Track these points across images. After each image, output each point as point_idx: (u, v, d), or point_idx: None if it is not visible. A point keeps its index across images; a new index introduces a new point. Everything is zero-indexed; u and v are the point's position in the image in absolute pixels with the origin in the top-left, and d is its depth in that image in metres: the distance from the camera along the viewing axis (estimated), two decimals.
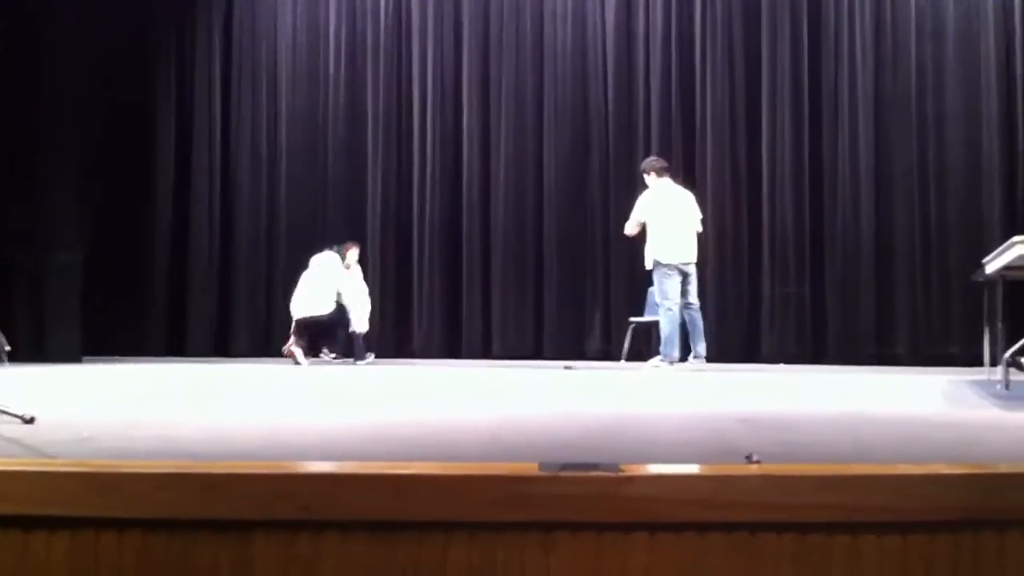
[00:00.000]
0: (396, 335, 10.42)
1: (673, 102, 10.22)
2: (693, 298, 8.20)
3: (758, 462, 2.30)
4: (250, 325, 10.60)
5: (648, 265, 8.18)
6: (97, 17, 9.61)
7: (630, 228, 8.30)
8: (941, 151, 9.76)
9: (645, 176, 8.39)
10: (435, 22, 10.67)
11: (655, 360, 8.16)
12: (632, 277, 9.70)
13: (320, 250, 9.68)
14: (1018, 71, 9.65)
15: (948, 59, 9.78)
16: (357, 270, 9.81)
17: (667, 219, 8.12)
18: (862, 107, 9.87)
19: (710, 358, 8.85)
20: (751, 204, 10.05)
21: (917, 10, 9.84)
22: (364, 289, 9.79)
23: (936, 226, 9.71)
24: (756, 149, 10.07)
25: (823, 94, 9.99)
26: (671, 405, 4.79)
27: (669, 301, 8.09)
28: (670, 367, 7.91)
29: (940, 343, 9.51)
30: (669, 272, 8.08)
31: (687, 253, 8.16)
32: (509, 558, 2.13)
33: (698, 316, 8.21)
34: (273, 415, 4.09)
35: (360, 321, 9.48)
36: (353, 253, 9.77)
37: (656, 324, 8.68)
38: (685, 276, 8.15)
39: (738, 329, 9.86)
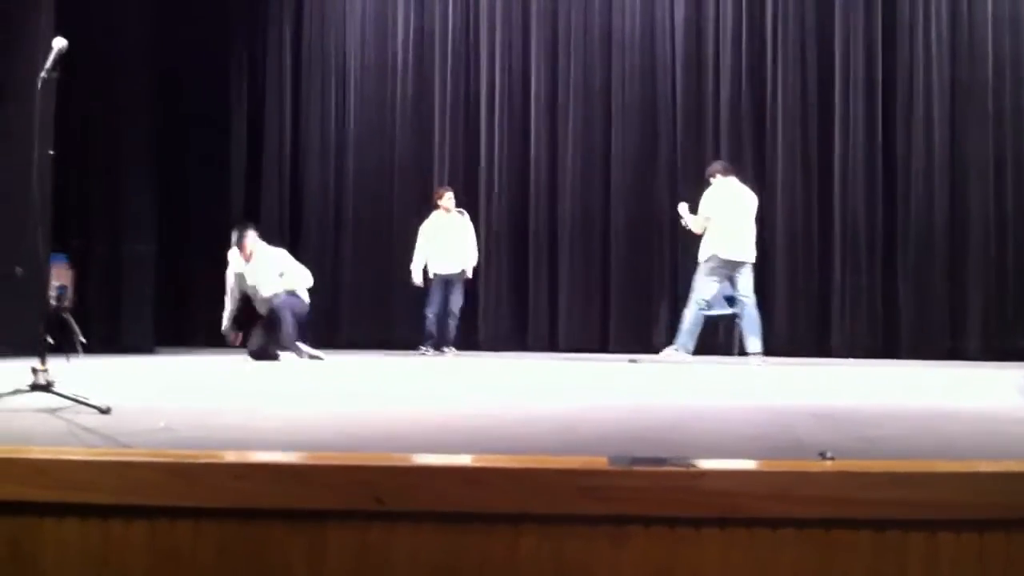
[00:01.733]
0: (463, 326, 10.43)
1: (743, 94, 10.10)
2: (747, 292, 8.10)
3: (832, 459, 2.27)
4: (318, 315, 10.69)
5: (702, 257, 8.14)
6: (171, 12, 9.77)
7: (696, 226, 8.25)
8: (1018, 143, 9.51)
9: (711, 179, 8.35)
10: (503, 13, 10.66)
11: (669, 349, 8.13)
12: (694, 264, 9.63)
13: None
14: None
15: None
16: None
17: (728, 217, 8.07)
18: (937, 98, 9.67)
19: (781, 351, 8.77)
20: (822, 196, 9.90)
21: (995, 2, 9.60)
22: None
23: (1012, 219, 9.48)
24: (828, 141, 9.91)
25: (898, 85, 9.80)
26: (741, 399, 4.74)
27: (701, 296, 8.09)
28: (681, 357, 7.94)
29: (1016, 337, 9.29)
30: (717, 269, 8.06)
31: (745, 252, 8.09)
32: (579, 551, 2.13)
33: (753, 311, 8.12)
34: (344, 406, 4.13)
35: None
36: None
37: (723, 318, 8.63)
38: (735, 275, 8.10)
39: (809, 322, 9.72)
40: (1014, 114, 9.51)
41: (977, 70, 9.60)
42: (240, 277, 8.39)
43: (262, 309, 8.35)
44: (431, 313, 9.44)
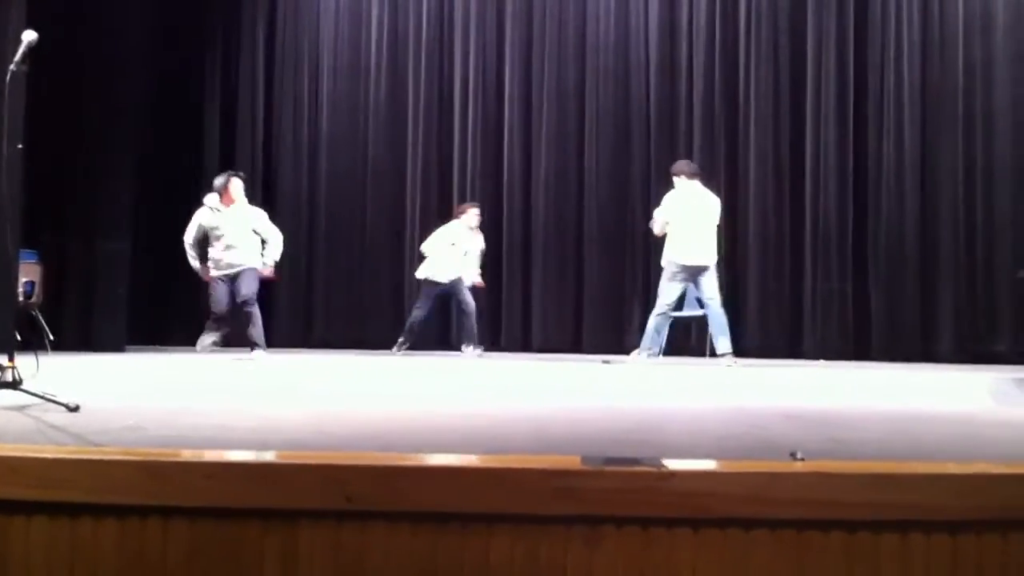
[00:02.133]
0: (437, 327, 10.43)
1: (716, 97, 10.15)
2: (711, 294, 8.11)
3: (803, 459, 2.28)
4: (291, 315, 10.66)
5: (663, 262, 8.16)
6: (143, 12, 9.70)
7: (657, 228, 8.27)
8: (988, 146, 9.61)
9: (675, 178, 8.33)
10: (477, 14, 10.66)
11: (634, 354, 8.15)
12: None
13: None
14: None
15: (996, 53, 9.62)
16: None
17: (688, 221, 8.08)
18: (908, 102, 9.75)
19: (753, 353, 8.82)
20: (794, 199, 9.96)
21: (965, 3, 9.69)
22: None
23: (982, 222, 9.57)
24: (800, 144, 9.97)
25: (869, 88, 9.88)
26: (713, 400, 4.76)
27: (663, 302, 8.11)
28: (646, 360, 7.96)
29: (985, 340, 9.38)
30: (677, 274, 8.07)
31: (704, 256, 8.09)
32: (553, 551, 2.13)
33: (719, 312, 8.13)
34: (317, 405, 4.11)
35: None
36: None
37: (695, 319, 8.67)
38: (698, 278, 8.11)
39: (780, 325, 9.78)
40: (984, 117, 9.60)
41: (948, 72, 9.69)
42: (210, 229, 8.28)
43: (228, 263, 8.24)
44: (420, 316, 9.49)
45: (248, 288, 8.23)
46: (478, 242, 9.64)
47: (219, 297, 8.25)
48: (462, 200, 10.41)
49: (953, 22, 9.71)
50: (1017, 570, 2.07)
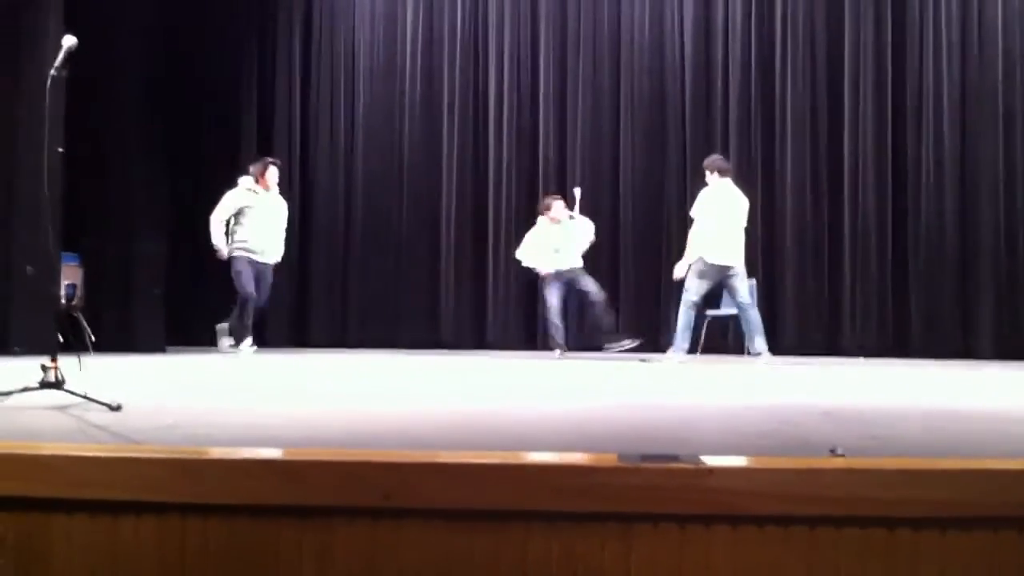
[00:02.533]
0: (471, 327, 10.45)
1: (752, 94, 10.10)
2: (744, 297, 8.04)
3: (842, 455, 2.26)
4: (328, 315, 10.73)
5: (691, 259, 8.07)
6: (181, 14, 9.80)
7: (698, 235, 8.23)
8: None
9: (708, 174, 8.25)
10: (511, 14, 10.67)
11: (669, 352, 8.08)
12: None
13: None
14: None
15: None
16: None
17: (721, 220, 8.00)
18: (947, 100, 9.66)
19: (790, 351, 8.76)
20: (832, 198, 9.89)
21: (1005, 2, 9.58)
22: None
23: (1022, 220, 9.46)
24: (838, 142, 9.90)
25: (907, 86, 9.80)
26: (751, 398, 4.73)
27: (690, 298, 8.01)
28: (678, 359, 7.87)
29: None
30: (706, 272, 7.99)
31: (732, 256, 8.01)
32: (589, 549, 2.12)
33: (753, 316, 8.04)
34: (352, 404, 4.13)
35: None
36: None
37: (733, 317, 8.62)
38: (727, 280, 8.03)
39: (819, 322, 9.72)
40: (1023, 115, 9.48)
41: (987, 71, 9.58)
42: (245, 207, 8.40)
43: (259, 248, 8.33)
44: (554, 307, 9.24)
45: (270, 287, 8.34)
46: (574, 232, 9.33)
47: (248, 278, 8.31)
48: (498, 199, 10.43)
49: (992, 21, 9.61)
50: None
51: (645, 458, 2.23)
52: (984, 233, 9.51)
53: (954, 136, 9.63)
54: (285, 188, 10.81)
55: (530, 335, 10.33)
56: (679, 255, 10.02)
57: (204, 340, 10.12)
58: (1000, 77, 9.54)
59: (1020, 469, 2.13)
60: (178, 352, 9.05)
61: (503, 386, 5.54)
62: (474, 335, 10.40)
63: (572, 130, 10.51)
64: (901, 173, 9.77)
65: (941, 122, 9.67)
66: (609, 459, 2.22)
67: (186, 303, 10.30)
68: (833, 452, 2.28)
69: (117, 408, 3.35)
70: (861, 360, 8.84)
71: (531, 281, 10.38)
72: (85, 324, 8.07)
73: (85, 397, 3.44)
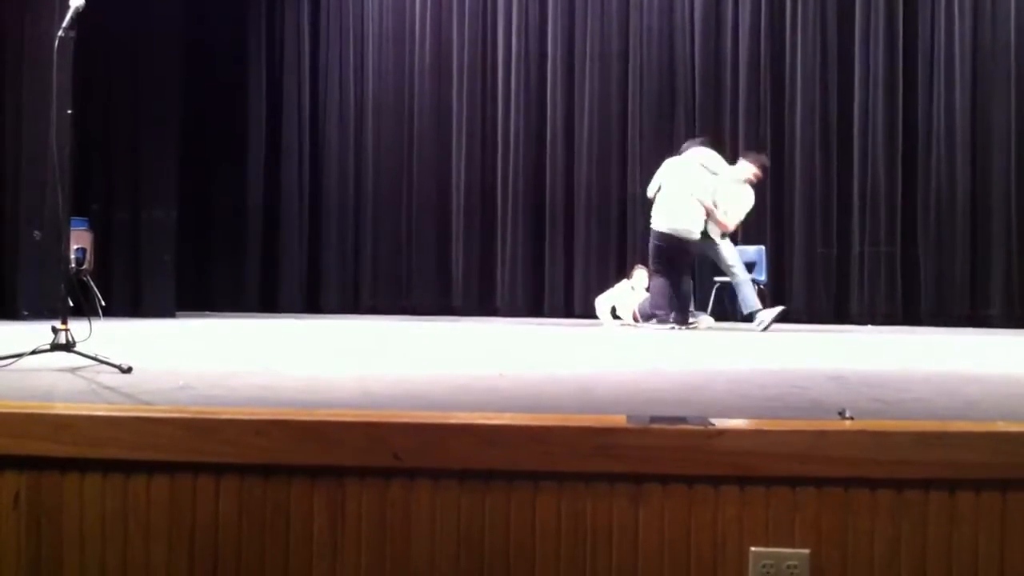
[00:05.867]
0: (480, 293, 10.47)
1: (762, 58, 10.03)
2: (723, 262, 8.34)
3: (851, 418, 2.26)
4: (340, 282, 10.75)
5: (713, 234, 8.18)
6: None
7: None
8: None
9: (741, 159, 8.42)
10: None
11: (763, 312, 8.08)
12: None
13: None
14: None
15: None
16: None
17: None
18: (959, 63, 9.57)
19: (798, 318, 8.79)
20: (842, 162, 9.84)
21: None
22: None
23: None
24: (848, 106, 9.83)
25: (919, 49, 9.71)
26: (759, 362, 4.74)
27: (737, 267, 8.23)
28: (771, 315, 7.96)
29: None
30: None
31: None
32: (598, 508, 2.14)
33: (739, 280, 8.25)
34: (365, 367, 4.15)
35: None
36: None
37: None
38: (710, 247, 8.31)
39: (827, 289, 9.70)
40: None
41: (999, 33, 9.50)
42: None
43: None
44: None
45: None
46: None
47: None
48: (506, 167, 10.42)
49: None
50: None
51: (654, 420, 2.24)
52: (995, 201, 9.46)
53: (965, 99, 9.55)
54: (295, 154, 10.85)
55: (538, 303, 10.34)
56: None
57: (214, 306, 10.17)
58: (1012, 39, 9.45)
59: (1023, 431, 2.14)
60: (188, 317, 9.08)
61: (511, 351, 5.56)
62: (483, 302, 10.42)
63: (580, 93, 10.45)
64: (911, 137, 9.71)
65: (953, 87, 9.59)
66: (618, 420, 2.23)
67: (196, 269, 10.33)
68: (841, 415, 2.29)
69: (128, 370, 3.37)
70: (870, 327, 8.83)
71: (538, 251, 10.38)
72: (95, 288, 8.10)
73: (96, 359, 3.46)
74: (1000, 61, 9.48)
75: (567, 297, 10.32)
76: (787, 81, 9.96)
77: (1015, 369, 4.59)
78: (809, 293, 9.59)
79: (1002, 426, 2.18)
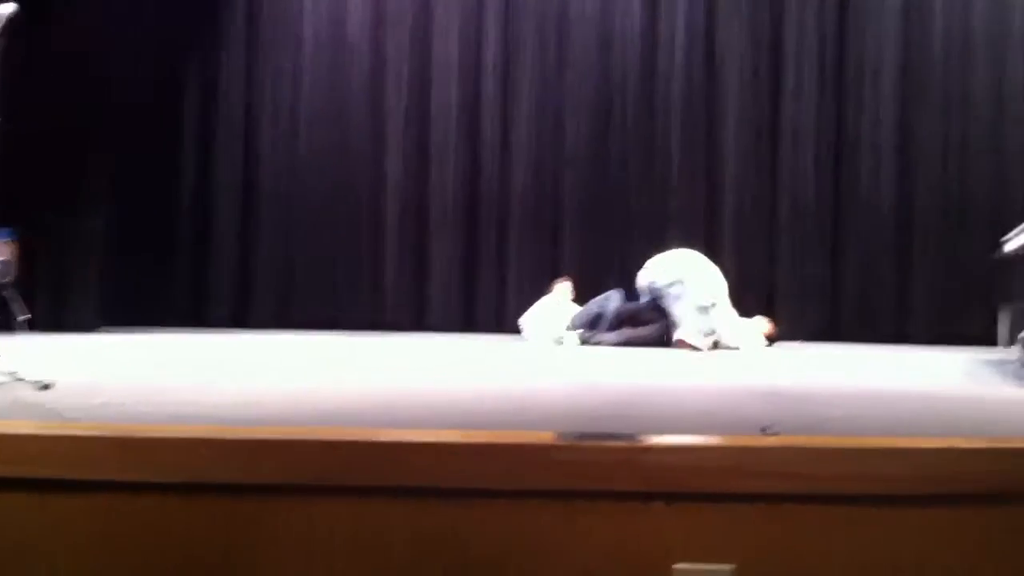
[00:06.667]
0: (412, 307, 10.42)
1: (694, 70, 10.13)
2: None
3: (776, 434, 2.29)
4: (271, 295, 10.62)
5: None
6: None
7: None
8: (965, 126, 9.67)
9: None
10: None
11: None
12: (651, 249, 9.70)
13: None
14: None
15: (976, 31, 9.67)
16: None
17: None
18: (887, 78, 9.78)
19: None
20: (771, 177, 9.98)
21: None
22: None
23: (958, 202, 9.64)
24: (777, 120, 9.98)
25: (849, 62, 9.89)
26: (689, 378, 4.78)
27: None
28: None
29: (958, 322, 9.46)
30: None
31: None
32: (528, 526, 2.14)
33: None
34: (294, 383, 4.10)
35: None
36: None
37: None
38: None
39: (756, 306, 9.81)
40: (961, 94, 9.65)
41: (927, 51, 9.73)
42: None
43: None
44: None
45: None
46: None
47: None
48: (441, 178, 10.40)
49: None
50: (987, 542, 2.10)
51: (583, 436, 2.24)
52: (920, 218, 9.67)
53: (893, 115, 9.75)
54: (227, 163, 10.69)
55: (471, 317, 10.32)
56: (623, 231, 10.09)
57: (141, 320, 9.97)
58: (940, 56, 9.69)
59: (951, 448, 2.18)
60: (113, 331, 8.91)
61: (445, 364, 5.54)
62: (416, 316, 10.37)
63: (515, 109, 10.45)
64: (838, 152, 9.88)
65: (880, 102, 9.78)
66: (547, 437, 2.23)
67: (122, 282, 10.13)
68: (764, 431, 2.31)
69: (47, 387, 3.29)
70: (797, 343, 8.96)
71: (471, 265, 10.37)
72: (17, 301, 7.91)
73: (13, 375, 3.38)
74: (927, 81, 9.71)
75: (500, 311, 10.30)
76: (718, 93, 10.09)
77: (939, 385, 4.69)
78: (739, 309, 9.71)
79: (925, 442, 2.22)
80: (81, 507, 2.19)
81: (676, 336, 7.83)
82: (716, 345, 7.92)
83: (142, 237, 10.25)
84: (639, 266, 8.63)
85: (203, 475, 2.16)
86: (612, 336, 7.97)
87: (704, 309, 7.92)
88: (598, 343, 7.90)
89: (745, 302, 9.44)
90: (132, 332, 8.90)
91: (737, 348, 7.78)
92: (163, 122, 10.53)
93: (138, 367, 4.98)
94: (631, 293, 8.57)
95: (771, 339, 8.17)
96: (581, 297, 8.75)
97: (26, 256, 8.74)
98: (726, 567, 2.10)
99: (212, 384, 3.94)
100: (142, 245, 10.22)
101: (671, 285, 8.00)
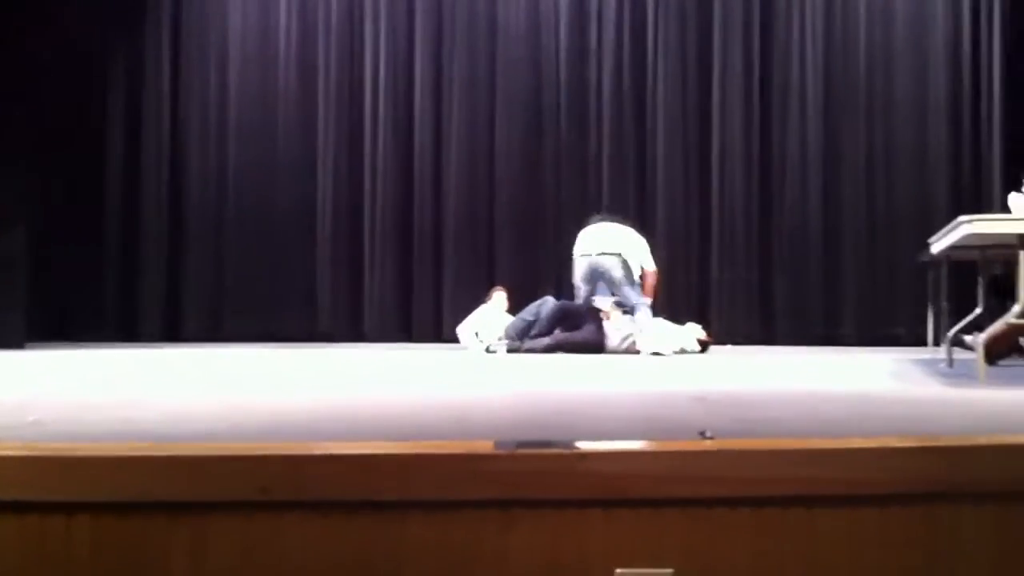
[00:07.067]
0: (347, 318, 10.37)
1: (624, 86, 10.26)
2: None
3: (712, 438, 2.32)
4: (201, 308, 10.49)
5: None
6: None
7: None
8: (889, 136, 9.91)
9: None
10: (387, 2, 10.58)
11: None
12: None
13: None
14: (965, 55, 9.82)
15: (897, 43, 9.92)
16: None
17: None
18: (812, 90, 9.98)
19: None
20: (701, 187, 10.14)
21: None
22: None
23: (883, 208, 9.87)
24: (707, 132, 10.15)
25: (774, 77, 10.09)
26: (625, 384, 4.81)
27: None
28: None
29: (886, 323, 9.67)
30: None
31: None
32: (467, 536, 2.13)
33: None
34: (227, 397, 4.05)
35: None
36: None
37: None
38: None
39: (689, 312, 9.92)
40: (885, 107, 9.88)
41: (850, 63, 9.95)
42: None
43: None
44: None
45: None
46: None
47: None
48: (374, 191, 10.38)
49: (855, 13, 9.98)
50: (919, 540, 2.14)
51: (521, 444, 2.25)
52: (846, 223, 9.88)
53: (818, 127, 9.97)
54: (154, 178, 10.54)
55: (407, 327, 10.30)
56: (555, 243, 10.15)
57: (68, 335, 9.78)
58: (862, 69, 9.92)
59: (880, 447, 2.22)
60: (40, 348, 8.72)
61: (381, 375, 5.51)
62: (351, 327, 10.32)
63: (447, 119, 10.49)
64: (767, 163, 10.07)
65: (806, 113, 9.99)
66: (485, 446, 2.23)
67: (49, 296, 9.93)
68: (703, 435, 2.34)
69: None
70: (729, 347, 9.08)
71: (406, 275, 10.34)
72: None
73: None
74: (850, 92, 9.94)
75: (436, 321, 10.30)
76: (649, 109, 10.21)
77: (868, 386, 4.78)
78: (671, 315, 9.81)
79: (855, 443, 2.26)
80: (7, 530, 2.13)
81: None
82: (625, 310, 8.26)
83: (71, 251, 10.08)
84: (570, 282, 8.68)
85: (135, 493, 2.12)
86: (544, 341, 7.99)
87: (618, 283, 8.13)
88: (529, 350, 7.92)
89: (679, 310, 9.54)
90: (60, 349, 8.72)
91: (661, 353, 7.83)
92: (88, 137, 10.37)
93: (66, 384, 4.88)
94: (566, 300, 8.62)
95: (705, 345, 8.25)
96: (517, 306, 8.77)
97: None
98: (666, 571, 2.11)
99: (144, 400, 3.88)
100: (69, 261, 10.04)
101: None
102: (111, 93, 10.59)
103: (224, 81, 10.69)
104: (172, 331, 10.36)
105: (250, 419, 3.16)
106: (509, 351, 7.99)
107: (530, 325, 8.26)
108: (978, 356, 4.87)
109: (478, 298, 10.00)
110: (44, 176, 9.71)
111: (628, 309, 8.26)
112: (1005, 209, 6.26)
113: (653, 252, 8.66)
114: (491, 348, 8.12)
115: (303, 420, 3.14)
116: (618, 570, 2.12)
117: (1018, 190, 6.04)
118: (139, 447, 2.26)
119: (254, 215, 10.51)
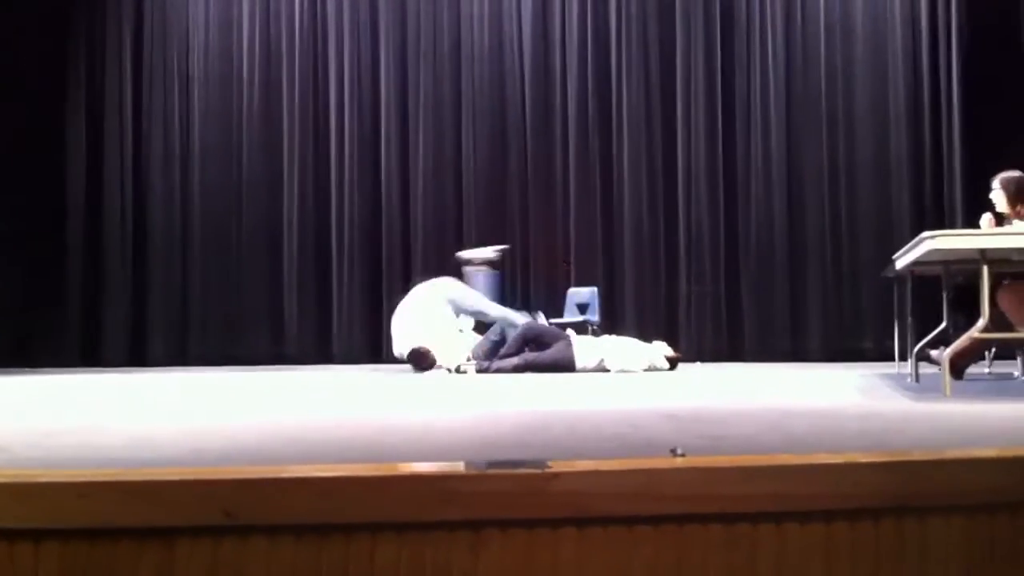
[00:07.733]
0: (315, 340, 10.31)
1: (589, 103, 10.31)
2: None
3: (683, 455, 2.31)
4: (165, 331, 10.39)
5: None
6: (5, 14, 9.33)
7: None
8: (851, 149, 10.01)
9: None
10: (351, 21, 10.58)
11: None
12: (554, 279, 9.84)
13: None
14: (924, 68, 9.94)
15: (856, 57, 10.04)
16: None
17: None
18: (774, 106, 10.08)
19: None
20: (667, 204, 10.19)
21: (826, 9, 10.08)
22: None
23: (847, 223, 9.95)
24: (672, 149, 10.21)
25: (736, 93, 10.17)
26: (595, 402, 4.81)
27: None
28: None
29: (852, 338, 9.74)
30: None
31: None
32: (438, 557, 2.12)
33: None
34: (193, 421, 4.01)
35: None
36: None
37: (576, 325, 8.79)
38: None
39: (656, 328, 9.95)
40: (846, 121, 9.98)
41: (811, 77, 10.06)
42: None
43: None
44: None
45: None
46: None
47: None
48: (340, 210, 10.34)
49: (815, 27, 10.09)
50: (888, 554, 2.15)
51: (491, 464, 2.24)
52: (811, 238, 9.95)
53: (780, 141, 10.06)
54: (117, 199, 10.45)
55: (375, 349, 10.25)
56: (522, 262, 10.17)
57: (31, 360, 9.65)
58: (823, 83, 10.02)
59: (848, 463, 2.23)
60: (2, 373, 8.60)
61: (347, 396, 5.48)
62: (319, 349, 10.26)
63: (414, 140, 10.49)
64: (732, 178, 10.13)
65: (768, 127, 10.08)
66: (456, 467, 2.22)
67: (10, 321, 9.82)
68: (673, 452, 2.34)
69: None
70: (698, 364, 9.10)
71: (375, 295, 10.30)
72: None
73: None
74: (811, 106, 10.03)
75: None
76: (613, 126, 10.26)
77: (834, 401, 4.80)
78: (638, 332, 9.83)
79: (823, 458, 2.27)
80: None
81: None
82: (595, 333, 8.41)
83: (32, 275, 9.97)
84: (541, 296, 8.70)
85: (100, 519, 2.09)
86: (513, 361, 7.98)
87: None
88: (498, 370, 7.91)
89: (646, 327, 9.56)
90: (22, 373, 8.62)
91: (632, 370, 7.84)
92: (49, 160, 10.28)
93: (29, 410, 4.82)
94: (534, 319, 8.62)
95: (673, 362, 8.27)
96: (486, 326, 8.75)
97: None
98: None
99: (108, 426, 3.83)
100: (32, 283, 9.93)
101: None
102: (71, 115, 10.50)
103: (187, 102, 10.64)
104: (136, 355, 10.26)
105: (215, 443, 3.13)
106: (478, 371, 7.97)
107: (498, 345, 8.25)
108: (943, 371, 4.90)
109: None
110: (6, 198, 9.62)
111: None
112: (968, 217, 6.33)
113: (619, 269, 8.70)
114: (460, 369, 8.10)
115: (269, 444, 3.11)
116: None
117: (987, 196, 6.03)
118: (104, 473, 2.23)
119: (219, 236, 10.45)
